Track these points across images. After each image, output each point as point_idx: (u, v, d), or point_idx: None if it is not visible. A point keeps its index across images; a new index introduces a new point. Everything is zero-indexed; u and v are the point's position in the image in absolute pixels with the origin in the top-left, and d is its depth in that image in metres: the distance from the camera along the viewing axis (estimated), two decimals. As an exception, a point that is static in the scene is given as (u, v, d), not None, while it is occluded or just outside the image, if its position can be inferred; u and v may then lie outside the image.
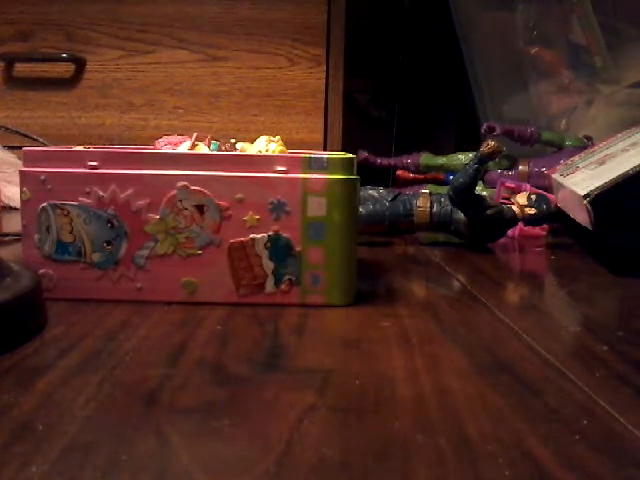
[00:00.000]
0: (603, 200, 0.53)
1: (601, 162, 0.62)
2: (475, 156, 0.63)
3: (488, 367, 0.31)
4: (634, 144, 0.61)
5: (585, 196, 0.53)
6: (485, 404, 0.27)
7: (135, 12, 1.02)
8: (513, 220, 0.67)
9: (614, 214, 0.55)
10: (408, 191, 0.79)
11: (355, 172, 0.42)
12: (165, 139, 0.49)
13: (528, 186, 0.76)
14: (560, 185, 0.66)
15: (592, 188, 0.53)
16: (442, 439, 0.23)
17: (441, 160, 0.91)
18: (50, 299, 0.39)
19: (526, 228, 0.74)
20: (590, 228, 0.55)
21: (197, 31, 1.02)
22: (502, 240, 0.69)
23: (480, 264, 0.60)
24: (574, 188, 0.58)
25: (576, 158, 0.72)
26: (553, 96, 0.97)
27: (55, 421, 0.24)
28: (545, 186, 0.77)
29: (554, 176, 0.71)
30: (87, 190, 0.40)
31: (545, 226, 0.75)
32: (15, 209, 0.84)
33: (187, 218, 0.41)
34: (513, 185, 0.78)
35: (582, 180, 0.60)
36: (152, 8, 1.02)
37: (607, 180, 0.53)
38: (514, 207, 0.67)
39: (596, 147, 0.71)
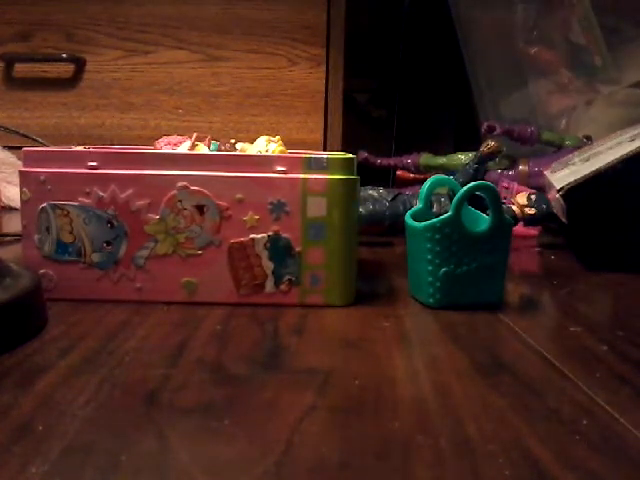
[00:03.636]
0: (575, 194, 0.53)
1: (586, 159, 0.62)
2: (475, 156, 0.63)
3: (488, 367, 0.31)
4: (619, 143, 0.61)
5: (559, 190, 0.54)
6: (485, 404, 0.27)
7: (135, 12, 1.02)
8: (513, 220, 0.67)
9: (586, 208, 0.56)
10: (408, 191, 0.79)
11: (355, 172, 0.42)
12: (165, 139, 0.49)
13: (515, 185, 0.76)
14: (549, 183, 0.67)
15: (567, 182, 0.54)
16: (442, 439, 0.23)
17: (441, 160, 0.91)
18: (50, 299, 0.39)
19: (518, 228, 0.74)
20: (564, 220, 0.56)
21: (197, 31, 1.02)
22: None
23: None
24: (555, 183, 0.59)
25: (570, 156, 0.72)
26: (553, 96, 0.97)
27: (55, 421, 0.24)
28: (545, 186, 0.77)
29: (546, 173, 0.71)
30: (87, 190, 0.40)
31: (538, 226, 0.75)
32: (15, 209, 0.84)
33: (187, 218, 0.40)
34: (506, 185, 0.78)
35: (565, 176, 0.60)
36: (152, 8, 1.02)
37: (581, 175, 0.54)
38: (514, 207, 0.67)
39: (593, 146, 0.71)
